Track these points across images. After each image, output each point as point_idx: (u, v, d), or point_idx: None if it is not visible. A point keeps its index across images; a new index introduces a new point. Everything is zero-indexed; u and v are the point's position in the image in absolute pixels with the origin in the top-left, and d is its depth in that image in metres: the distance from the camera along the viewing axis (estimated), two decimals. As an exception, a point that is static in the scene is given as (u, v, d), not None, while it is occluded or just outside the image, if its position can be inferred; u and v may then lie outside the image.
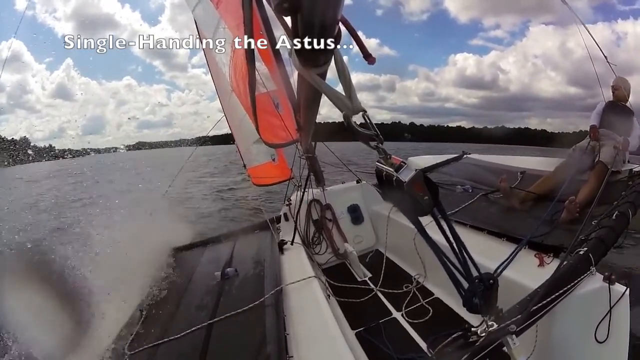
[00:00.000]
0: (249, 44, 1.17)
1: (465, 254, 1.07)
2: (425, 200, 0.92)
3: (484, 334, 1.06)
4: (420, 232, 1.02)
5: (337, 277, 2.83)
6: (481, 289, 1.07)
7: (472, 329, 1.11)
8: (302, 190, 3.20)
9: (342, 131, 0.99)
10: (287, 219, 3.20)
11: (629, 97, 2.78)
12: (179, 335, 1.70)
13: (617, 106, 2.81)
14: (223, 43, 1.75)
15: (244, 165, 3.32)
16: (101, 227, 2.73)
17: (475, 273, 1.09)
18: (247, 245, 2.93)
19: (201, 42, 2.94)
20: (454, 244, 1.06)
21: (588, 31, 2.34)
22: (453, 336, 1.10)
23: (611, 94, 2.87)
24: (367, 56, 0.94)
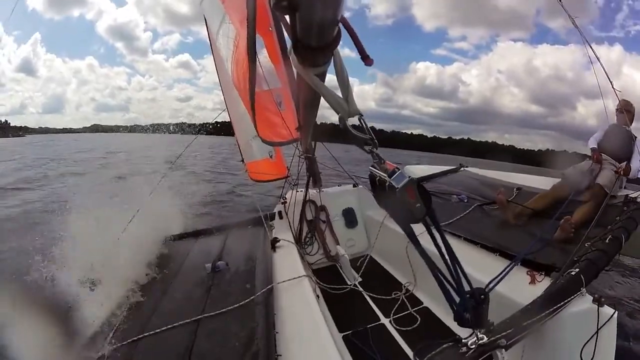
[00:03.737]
0: (251, 41, 1.15)
1: (458, 267, 1.06)
2: (417, 207, 0.91)
3: (473, 346, 1.06)
4: (411, 241, 1.01)
5: (326, 279, 2.81)
6: (472, 304, 1.07)
7: (463, 340, 1.10)
8: (298, 189, 3.18)
9: (339, 133, 0.98)
10: (281, 217, 3.19)
11: (632, 121, 2.76)
12: (165, 328, 1.66)
13: (620, 130, 2.79)
14: (226, 38, 1.74)
15: (242, 160, 3.31)
16: (84, 212, 2.68)
17: (467, 287, 1.08)
18: (239, 240, 2.91)
19: (209, 36, 2.94)
20: (446, 256, 1.05)
21: (594, 51, 2.34)
22: (443, 346, 1.10)
23: (615, 116, 2.85)
24: (365, 58, 0.93)
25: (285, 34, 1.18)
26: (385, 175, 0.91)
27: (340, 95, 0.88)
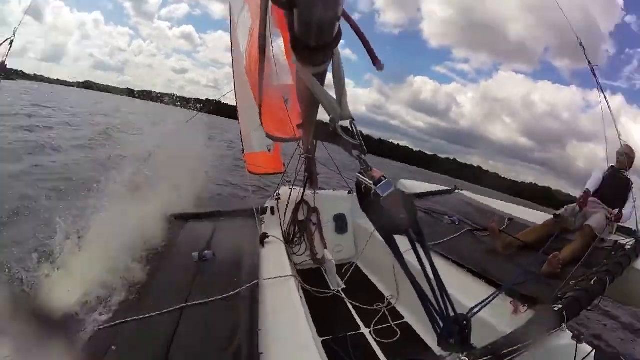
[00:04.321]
0: (262, 39, 1.13)
1: (442, 290, 1.04)
2: (401, 218, 0.89)
3: None
4: (393, 252, 0.99)
5: (310, 281, 2.80)
6: (456, 330, 1.05)
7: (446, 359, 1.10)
8: (293, 187, 3.18)
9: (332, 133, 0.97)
10: (272, 213, 3.18)
11: (631, 166, 2.79)
12: (149, 315, 1.64)
13: (617, 176, 2.83)
14: (243, 27, 1.76)
15: (242, 150, 3.30)
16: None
17: (451, 312, 1.06)
18: (228, 230, 2.89)
19: (230, 21, 2.97)
20: (431, 275, 1.02)
21: (605, 98, 2.35)
22: None
23: (615, 160, 2.89)
24: (376, 61, 0.92)
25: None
26: (370, 182, 0.90)
27: (334, 97, 0.87)
